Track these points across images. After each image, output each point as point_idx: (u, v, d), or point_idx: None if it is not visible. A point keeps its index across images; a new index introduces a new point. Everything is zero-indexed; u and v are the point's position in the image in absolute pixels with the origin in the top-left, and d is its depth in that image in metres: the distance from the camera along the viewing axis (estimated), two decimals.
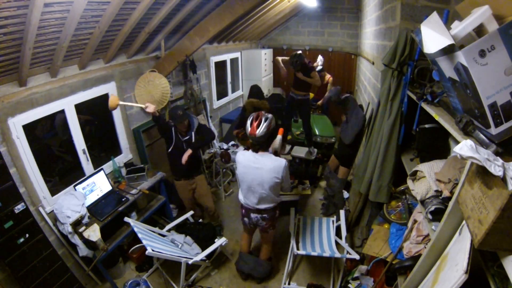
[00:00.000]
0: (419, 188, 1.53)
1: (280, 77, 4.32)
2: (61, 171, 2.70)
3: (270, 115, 2.12)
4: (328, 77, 5.11)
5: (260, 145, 2.14)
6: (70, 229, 2.17)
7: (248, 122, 2.11)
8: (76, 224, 2.22)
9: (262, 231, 2.49)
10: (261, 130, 2.06)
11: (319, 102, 5.16)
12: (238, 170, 2.26)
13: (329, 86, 5.13)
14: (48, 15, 1.71)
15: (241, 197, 2.37)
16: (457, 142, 1.01)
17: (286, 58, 3.91)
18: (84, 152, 2.66)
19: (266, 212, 2.34)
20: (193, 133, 2.78)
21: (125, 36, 2.48)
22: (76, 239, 2.19)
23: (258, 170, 2.14)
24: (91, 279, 2.60)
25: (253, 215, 2.37)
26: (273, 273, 2.78)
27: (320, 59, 4.82)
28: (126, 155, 3.15)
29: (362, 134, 3.04)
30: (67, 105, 2.43)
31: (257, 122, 2.07)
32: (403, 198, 2.03)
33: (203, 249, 2.58)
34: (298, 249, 2.50)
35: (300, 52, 3.78)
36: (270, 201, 2.29)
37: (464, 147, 0.91)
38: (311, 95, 5.44)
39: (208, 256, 2.62)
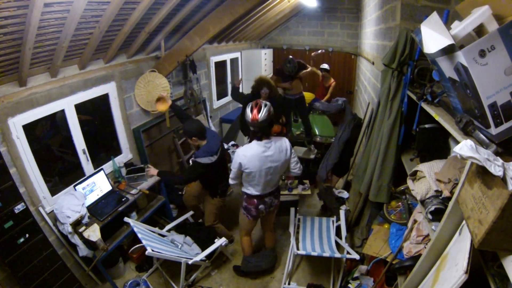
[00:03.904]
0: (419, 188, 1.53)
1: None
2: (61, 171, 2.70)
3: (268, 102, 2.12)
4: (331, 81, 5.19)
5: (262, 131, 2.11)
6: (70, 229, 2.17)
7: (248, 110, 2.07)
8: (76, 224, 2.22)
9: (272, 212, 2.52)
10: (262, 114, 2.04)
11: (323, 101, 5.19)
12: (246, 166, 2.13)
13: (330, 89, 5.17)
14: (48, 15, 1.71)
15: (253, 190, 2.29)
16: (457, 142, 1.01)
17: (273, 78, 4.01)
18: (84, 152, 2.66)
19: (276, 190, 2.44)
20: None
21: (125, 36, 2.48)
22: (76, 239, 2.19)
23: (271, 157, 2.15)
24: (91, 279, 2.60)
25: (267, 199, 2.37)
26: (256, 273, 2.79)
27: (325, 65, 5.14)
28: (126, 155, 3.15)
29: (354, 142, 3.07)
30: (67, 105, 2.43)
31: (257, 108, 2.05)
32: (403, 198, 2.02)
33: (203, 249, 2.58)
34: (298, 249, 2.49)
35: (290, 57, 3.80)
36: (279, 179, 2.43)
37: (464, 147, 0.91)
38: (312, 95, 5.48)
39: (208, 256, 2.62)
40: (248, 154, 2.12)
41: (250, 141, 2.27)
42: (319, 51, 5.00)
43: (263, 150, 2.12)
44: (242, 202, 2.45)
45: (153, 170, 2.67)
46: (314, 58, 4.69)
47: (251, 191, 2.30)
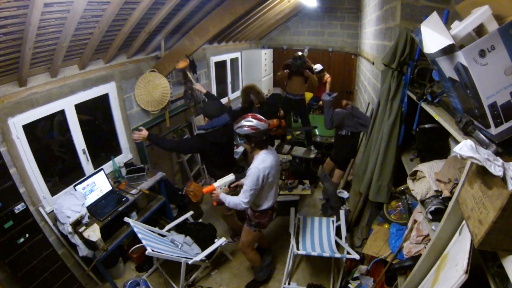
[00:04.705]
0: (419, 188, 1.53)
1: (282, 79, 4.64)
2: (61, 171, 2.70)
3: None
4: (327, 76, 5.19)
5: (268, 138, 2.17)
6: (70, 229, 2.17)
7: (256, 123, 2.03)
8: (76, 224, 2.22)
9: None
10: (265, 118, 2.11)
11: (320, 103, 5.20)
12: (268, 177, 2.09)
13: (327, 85, 5.18)
14: (48, 15, 1.71)
15: (269, 203, 2.23)
16: (457, 142, 1.01)
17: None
18: (84, 152, 2.66)
19: None
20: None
21: (125, 36, 2.48)
22: (76, 239, 2.19)
23: (277, 162, 2.20)
24: (91, 279, 2.60)
25: (275, 205, 2.37)
26: (272, 273, 2.82)
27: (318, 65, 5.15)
28: (126, 155, 3.15)
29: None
30: (67, 105, 2.43)
31: (258, 117, 2.07)
32: (403, 198, 2.02)
33: (203, 249, 2.58)
34: (298, 249, 2.50)
35: (300, 53, 3.91)
36: None
37: (464, 147, 0.91)
38: (311, 94, 5.49)
39: (208, 256, 2.62)
40: (268, 165, 2.07)
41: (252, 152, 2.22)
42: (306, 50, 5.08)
43: (273, 157, 2.14)
44: (250, 221, 2.35)
45: (142, 132, 2.54)
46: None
47: (268, 204, 2.23)
